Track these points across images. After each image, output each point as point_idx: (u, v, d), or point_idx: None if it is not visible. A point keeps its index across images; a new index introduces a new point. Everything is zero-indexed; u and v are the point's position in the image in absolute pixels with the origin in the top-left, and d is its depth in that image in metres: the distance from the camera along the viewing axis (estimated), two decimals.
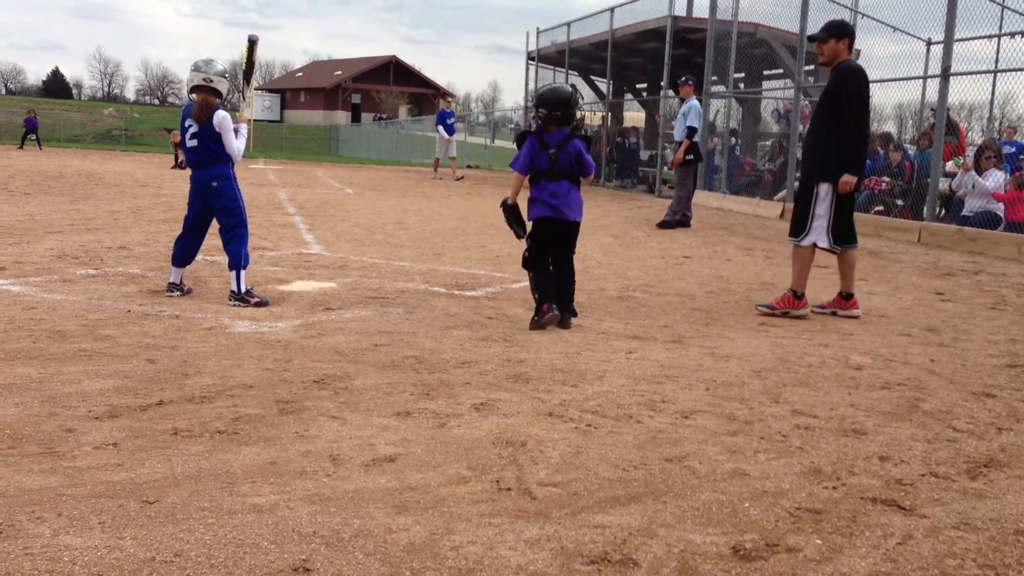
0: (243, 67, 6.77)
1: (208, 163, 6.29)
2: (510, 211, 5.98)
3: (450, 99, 24.78)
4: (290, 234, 10.42)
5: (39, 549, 2.47)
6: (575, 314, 6.01)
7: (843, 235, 6.53)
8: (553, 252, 5.95)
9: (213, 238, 6.71)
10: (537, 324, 5.76)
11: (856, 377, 4.75)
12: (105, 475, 3.04)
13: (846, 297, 6.65)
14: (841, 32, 6.49)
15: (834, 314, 6.64)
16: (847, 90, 6.31)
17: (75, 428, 3.50)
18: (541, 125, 5.85)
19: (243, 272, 6.25)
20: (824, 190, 6.43)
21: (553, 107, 5.78)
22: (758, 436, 3.70)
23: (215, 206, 6.37)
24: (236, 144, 6.38)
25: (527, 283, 6.13)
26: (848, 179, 6.34)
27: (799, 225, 6.56)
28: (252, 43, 6.68)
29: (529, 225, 5.96)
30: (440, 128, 23.34)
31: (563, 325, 5.84)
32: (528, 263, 5.95)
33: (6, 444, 3.30)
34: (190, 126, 6.30)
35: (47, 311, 5.64)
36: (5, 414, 3.63)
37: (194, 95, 6.31)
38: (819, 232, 6.48)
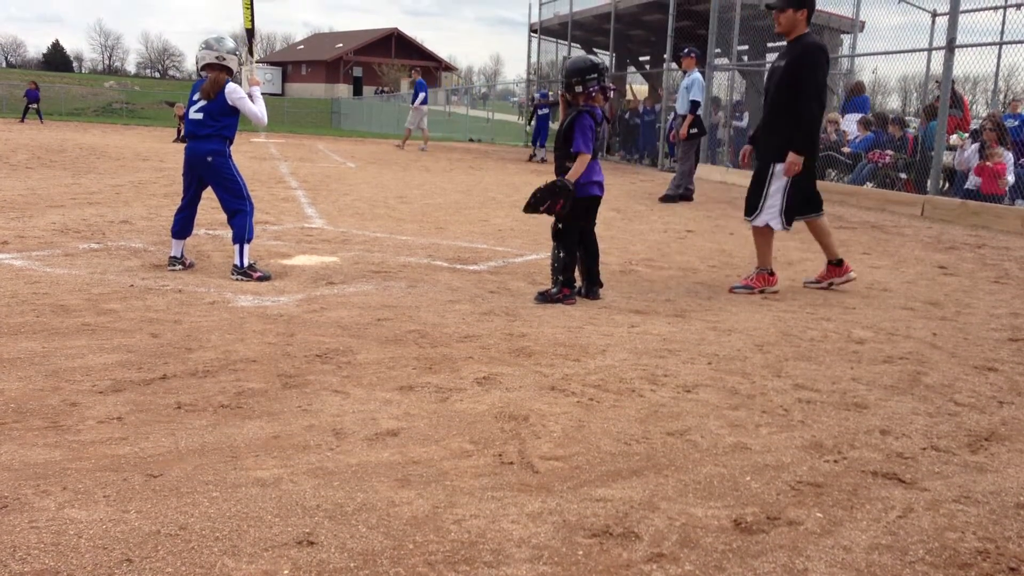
0: (246, 26, 6.70)
1: (206, 137, 6.27)
2: (567, 193, 5.70)
3: (415, 71, 25.36)
4: (292, 208, 10.41)
5: (44, 522, 2.49)
6: (602, 285, 6.11)
7: (805, 206, 6.47)
8: (584, 226, 5.98)
9: (216, 212, 6.70)
10: (551, 301, 5.76)
11: (858, 351, 4.75)
12: (109, 449, 3.06)
13: (836, 264, 6.61)
14: (800, 2, 6.23)
15: (830, 286, 6.60)
16: (803, 71, 6.15)
17: (79, 402, 3.52)
18: (587, 97, 5.74)
19: (247, 246, 6.25)
20: (779, 171, 6.30)
21: (593, 71, 5.73)
22: (760, 410, 3.71)
23: (215, 186, 6.35)
24: (256, 108, 6.35)
25: (529, 257, 6.12)
26: (794, 159, 6.22)
27: (751, 205, 6.48)
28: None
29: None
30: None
31: (596, 297, 5.96)
32: (566, 239, 5.84)
33: (11, 418, 3.32)
34: (198, 100, 6.28)
35: (50, 285, 5.65)
36: (9, 388, 3.65)
37: (205, 72, 6.29)
38: (772, 214, 6.38)
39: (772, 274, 6.51)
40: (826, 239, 6.59)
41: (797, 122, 6.19)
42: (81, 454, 3.00)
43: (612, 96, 6.03)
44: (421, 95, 23.25)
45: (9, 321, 4.72)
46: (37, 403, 3.49)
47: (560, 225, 5.84)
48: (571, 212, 5.77)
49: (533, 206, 5.73)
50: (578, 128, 5.73)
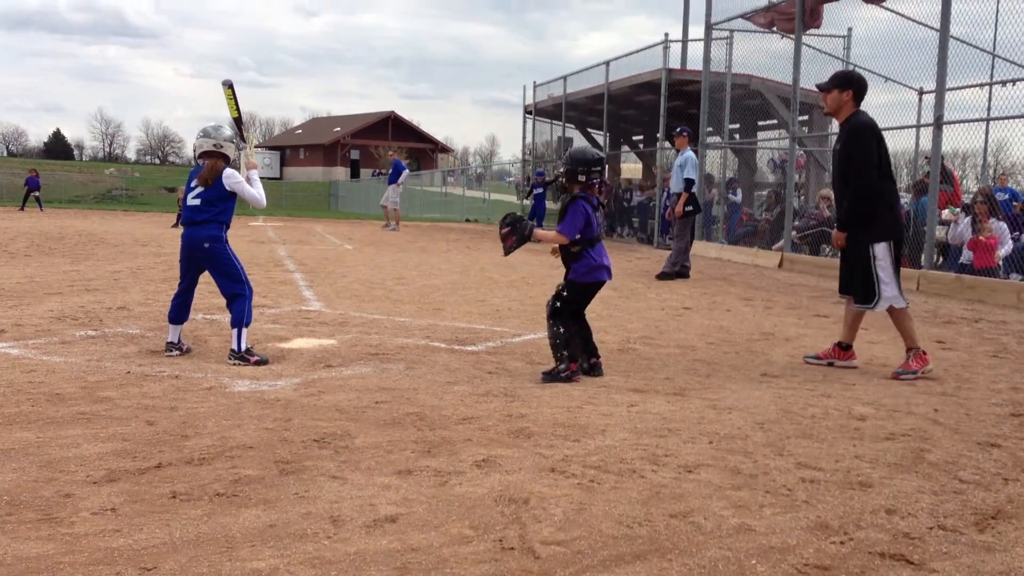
0: (232, 115, 6.77)
1: (203, 223, 6.31)
2: (521, 238, 5.96)
3: (392, 152, 26.38)
4: (290, 291, 10.43)
5: None
6: (599, 356, 6.14)
7: (844, 286, 6.53)
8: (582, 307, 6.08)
9: (213, 296, 6.71)
10: (559, 380, 5.77)
11: (860, 428, 4.72)
12: (103, 541, 3.01)
13: (845, 348, 6.60)
14: (844, 83, 6.33)
15: (831, 365, 6.56)
16: (851, 149, 6.23)
17: (73, 493, 3.47)
18: (585, 186, 5.88)
19: (244, 330, 6.24)
20: (880, 252, 6.24)
21: (598, 165, 5.90)
22: (763, 490, 3.67)
23: (213, 271, 6.38)
24: (253, 191, 6.41)
25: (527, 337, 6.11)
26: (837, 234, 6.37)
27: (867, 293, 6.30)
28: (228, 87, 6.68)
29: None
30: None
31: (599, 372, 5.99)
32: (563, 316, 5.89)
33: (4, 510, 3.27)
34: (195, 187, 6.35)
35: (46, 374, 5.62)
36: (3, 479, 3.60)
37: (202, 159, 6.36)
38: (892, 294, 6.25)
39: (925, 352, 6.34)
40: (857, 321, 6.58)
41: (851, 201, 6.25)
42: (74, 547, 2.95)
43: (608, 183, 6.17)
44: (405, 172, 24.06)
45: (4, 411, 4.68)
46: (31, 495, 3.44)
47: (558, 304, 5.88)
48: (576, 294, 5.89)
49: (506, 225, 5.97)
50: (571, 211, 5.83)
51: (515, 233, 5.94)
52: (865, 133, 6.25)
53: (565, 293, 5.89)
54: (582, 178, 5.87)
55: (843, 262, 6.57)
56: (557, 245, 5.95)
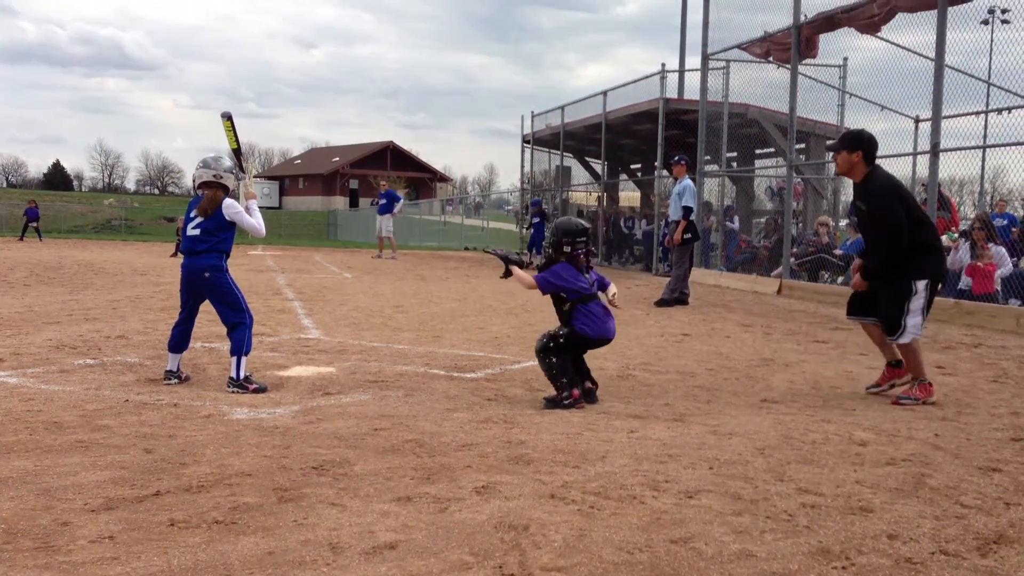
0: (231, 146, 6.80)
1: (203, 252, 6.33)
2: (506, 271, 6.24)
3: (384, 182, 26.56)
4: (289, 319, 10.43)
5: None
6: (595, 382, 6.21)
7: (856, 309, 6.61)
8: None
9: (213, 324, 6.71)
10: (562, 407, 5.78)
11: (861, 453, 4.70)
12: (101, 570, 2.99)
13: (895, 365, 6.53)
14: (853, 143, 6.29)
15: (892, 387, 6.51)
16: (879, 219, 6.21)
17: (71, 521, 3.45)
18: (571, 257, 6.04)
19: (244, 359, 6.23)
20: (921, 286, 6.19)
21: (583, 235, 6.07)
22: (764, 515, 3.65)
23: (213, 300, 6.38)
24: (253, 220, 6.44)
25: (526, 364, 6.11)
26: (858, 281, 6.49)
27: (893, 323, 6.26)
28: (227, 119, 6.72)
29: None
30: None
31: (594, 400, 6.04)
32: (555, 352, 5.93)
33: (1, 539, 3.25)
34: (195, 217, 6.37)
35: (44, 402, 5.61)
36: (0, 508, 3.58)
37: (202, 190, 6.39)
38: (915, 329, 6.21)
39: (931, 384, 6.31)
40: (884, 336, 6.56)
41: (882, 262, 6.26)
42: None
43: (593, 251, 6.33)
44: (400, 203, 24.38)
45: (2, 439, 4.67)
46: (28, 523, 3.43)
47: (551, 344, 5.93)
48: (573, 343, 5.96)
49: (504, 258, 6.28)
50: (551, 269, 6.02)
51: (504, 258, 6.25)
52: (886, 198, 6.20)
53: (562, 340, 5.94)
54: (567, 248, 6.03)
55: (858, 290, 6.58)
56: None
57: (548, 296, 6.15)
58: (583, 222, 6.28)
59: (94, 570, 2.98)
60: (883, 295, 6.35)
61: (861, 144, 6.31)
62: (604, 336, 6.05)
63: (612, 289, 6.24)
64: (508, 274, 6.24)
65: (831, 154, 6.50)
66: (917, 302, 6.21)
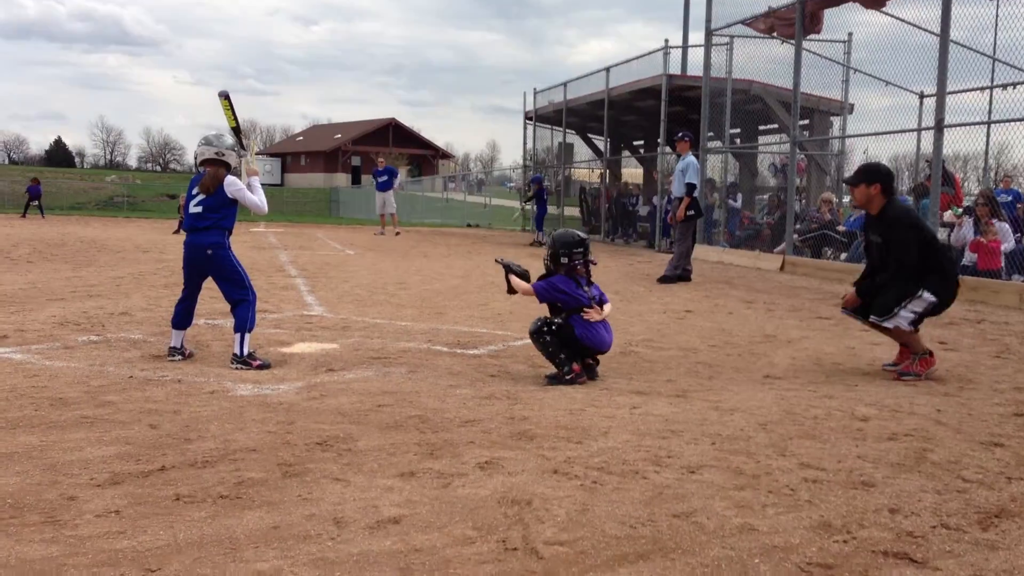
0: (230, 125, 6.77)
1: (205, 230, 6.33)
2: (507, 280, 6.27)
3: (382, 159, 26.31)
4: (292, 296, 10.45)
5: None
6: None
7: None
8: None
9: (216, 301, 6.71)
10: (564, 383, 5.80)
11: (862, 428, 4.72)
12: (107, 543, 3.01)
13: (927, 354, 6.50)
14: (871, 176, 6.29)
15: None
16: (900, 250, 6.19)
17: (77, 496, 3.48)
18: (569, 268, 6.06)
19: (247, 335, 6.25)
20: (928, 297, 6.18)
21: (580, 247, 6.08)
22: (766, 490, 3.67)
23: (216, 278, 6.39)
24: (254, 197, 6.44)
25: (529, 340, 6.12)
26: (851, 297, 6.57)
27: (886, 307, 6.25)
28: (224, 97, 6.70)
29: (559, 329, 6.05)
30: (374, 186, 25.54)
31: (595, 376, 6.07)
32: (550, 335, 5.93)
33: (7, 514, 3.27)
34: (197, 194, 6.36)
35: (49, 379, 5.63)
36: (6, 483, 3.61)
37: (204, 167, 6.38)
38: (903, 321, 6.22)
39: (931, 354, 6.32)
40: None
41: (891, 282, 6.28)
42: (78, 549, 2.96)
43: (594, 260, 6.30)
44: (399, 178, 24.52)
45: (7, 415, 4.69)
46: (34, 498, 3.45)
47: (544, 328, 5.93)
48: (566, 338, 5.93)
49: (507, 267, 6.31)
50: (549, 281, 6.05)
51: (506, 267, 6.29)
52: (906, 232, 6.19)
53: (555, 327, 5.93)
54: (564, 260, 6.05)
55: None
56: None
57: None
58: (580, 233, 6.29)
59: (100, 544, 3.00)
60: (886, 291, 6.33)
61: (879, 177, 6.32)
62: (598, 346, 6.04)
63: (608, 308, 6.21)
64: (511, 290, 6.28)
65: (848, 187, 6.49)
66: (918, 305, 6.20)
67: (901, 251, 6.18)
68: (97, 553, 2.92)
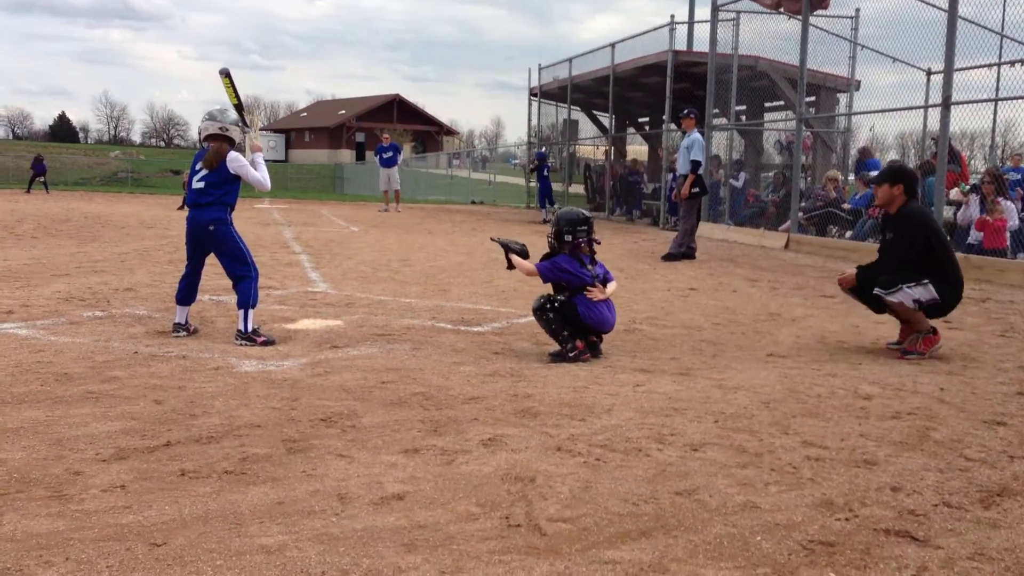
0: (232, 102, 6.74)
1: (208, 205, 6.32)
2: (507, 259, 6.30)
3: (387, 135, 26.08)
4: (296, 272, 10.45)
5: None
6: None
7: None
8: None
9: (220, 277, 6.71)
10: (567, 360, 5.82)
11: (866, 407, 4.72)
12: (113, 518, 3.03)
13: (931, 332, 6.51)
14: (895, 177, 6.34)
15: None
16: (903, 245, 6.22)
17: (83, 471, 3.50)
18: (573, 246, 6.03)
19: (251, 312, 6.25)
20: (931, 290, 6.18)
21: (584, 224, 6.05)
22: (768, 468, 3.68)
23: (218, 253, 6.39)
24: (258, 174, 6.42)
25: (533, 318, 6.13)
26: (848, 277, 6.61)
27: (891, 282, 6.24)
28: (225, 75, 6.66)
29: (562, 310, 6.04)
30: (377, 162, 25.55)
31: (598, 353, 6.07)
32: (553, 312, 5.94)
33: (14, 488, 3.29)
34: (200, 169, 6.35)
35: (54, 354, 5.65)
36: (13, 458, 3.63)
37: (207, 142, 6.36)
38: (906, 298, 6.20)
39: (935, 332, 6.34)
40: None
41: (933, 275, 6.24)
42: (84, 524, 2.98)
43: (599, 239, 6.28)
44: (401, 155, 24.66)
45: (13, 390, 4.71)
46: (40, 472, 3.47)
47: (547, 305, 5.94)
48: (569, 315, 5.92)
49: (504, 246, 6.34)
50: (553, 261, 6.04)
51: (504, 245, 6.33)
52: (914, 232, 6.21)
53: (558, 304, 5.93)
54: (568, 238, 6.02)
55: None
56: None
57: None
58: (584, 212, 6.28)
59: (106, 518, 3.02)
60: (890, 276, 6.32)
61: (903, 178, 6.36)
62: (600, 326, 6.04)
63: (612, 286, 6.19)
64: (511, 266, 6.28)
65: (873, 186, 6.45)
66: (922, 292, 6.18)
67: (904, 246, 6.21)
68: (103, 527, 2.94)
